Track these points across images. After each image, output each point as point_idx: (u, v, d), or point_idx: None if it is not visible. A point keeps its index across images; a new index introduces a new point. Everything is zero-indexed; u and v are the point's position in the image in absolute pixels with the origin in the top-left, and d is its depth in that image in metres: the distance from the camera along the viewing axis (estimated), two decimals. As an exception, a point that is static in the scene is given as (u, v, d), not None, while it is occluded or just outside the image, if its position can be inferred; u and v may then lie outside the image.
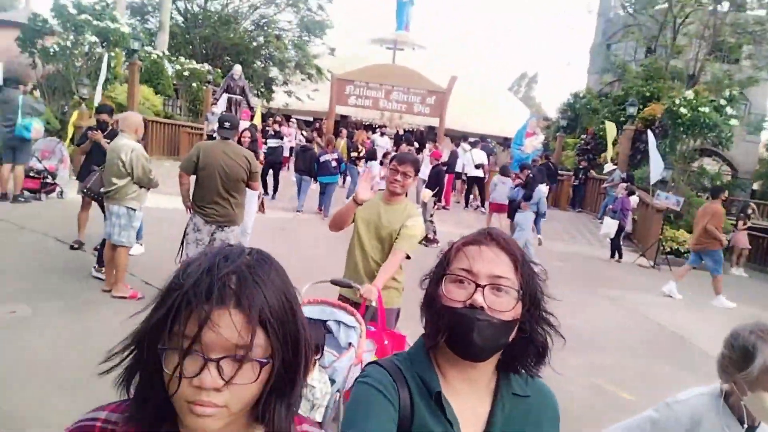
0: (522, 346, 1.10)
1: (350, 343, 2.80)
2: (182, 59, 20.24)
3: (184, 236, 5.21)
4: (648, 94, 15.96)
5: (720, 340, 1.76)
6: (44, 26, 15.24)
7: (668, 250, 11.84)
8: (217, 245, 3.93)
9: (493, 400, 1.12)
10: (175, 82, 19.09)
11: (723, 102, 12.95)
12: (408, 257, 3.37)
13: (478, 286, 1.05)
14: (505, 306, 1.04)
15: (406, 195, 3.55)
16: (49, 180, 9.47)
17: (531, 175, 9.84)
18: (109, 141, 6.22)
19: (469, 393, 1.11)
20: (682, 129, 13.22)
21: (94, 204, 6.55)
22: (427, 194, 9.75)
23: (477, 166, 14.13)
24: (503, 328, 1.05)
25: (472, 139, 15.98)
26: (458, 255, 1.11)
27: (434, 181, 9.98)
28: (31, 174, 9.23)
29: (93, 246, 6.62)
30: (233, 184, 5.26)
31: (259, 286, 0.77)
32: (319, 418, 2.41)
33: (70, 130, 11.94)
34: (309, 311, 2.86)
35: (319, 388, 2.46)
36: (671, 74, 16.86)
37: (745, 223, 12.72)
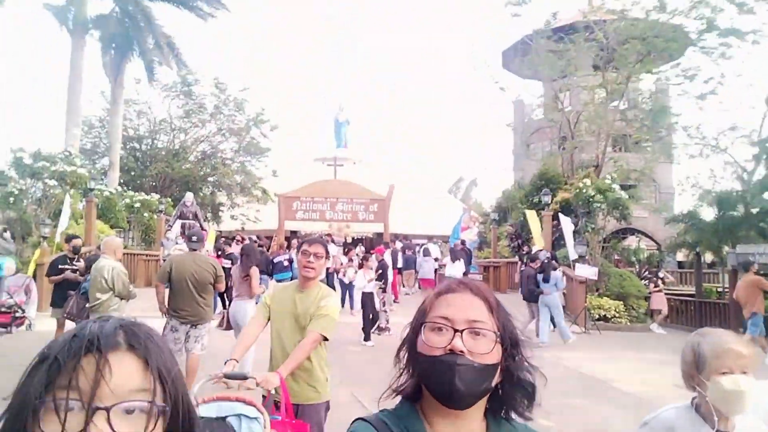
0: (509, 390, 1.12)
1: None
2: (131, 193, 21.34)
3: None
4: (553, 185, 18.49)
5: (629, 380, 2.42)
6: (1, 176, 16.23)
7: (597, 317, 13.16)
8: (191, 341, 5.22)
9: None
10: (127, 215, 20.03)
11: (617, 187, 15.15)
12: (326, 339, 3.20)
13: (456, 331, 1.06)
14: (485, 348, 1.06)
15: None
16: (19, 314, 10.01)
17: (545, 261, 11.39)
18: (80, 258, 7.58)
19: None
20: (593, 207, 15.23)
21: (68, 325, 7.32)
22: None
23: (435, 259, 16.70)
24: (485, 372, 1.05)
25: (405, 242, 18.14)
26: (435, 304, 1.13)
27: (380, 274, 11.20)
28: (3, 309, 9.79)
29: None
30: (202, 287, 6.28)
31: (149, 338, 0.73)
32: None
33: (32, 267, 12.61)
34: (206, 410, 2.63)
35: None
36: (579, 165, 19.32)
37: (656, 286, 14.36)
